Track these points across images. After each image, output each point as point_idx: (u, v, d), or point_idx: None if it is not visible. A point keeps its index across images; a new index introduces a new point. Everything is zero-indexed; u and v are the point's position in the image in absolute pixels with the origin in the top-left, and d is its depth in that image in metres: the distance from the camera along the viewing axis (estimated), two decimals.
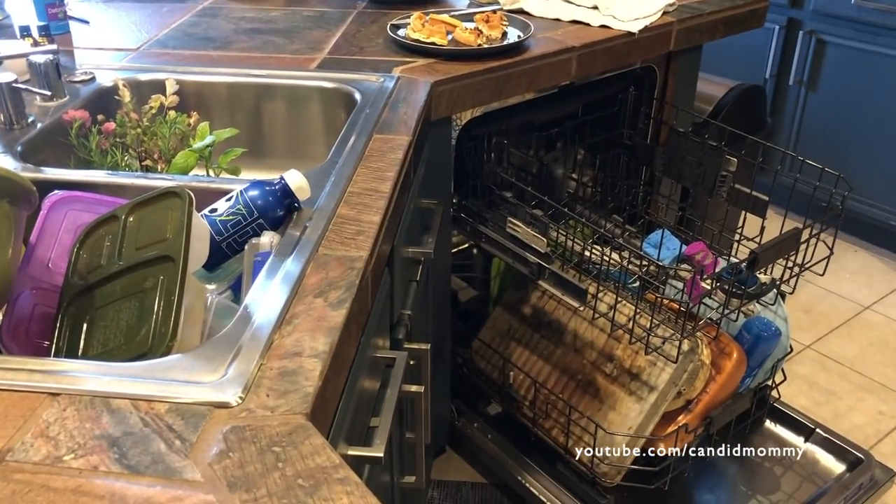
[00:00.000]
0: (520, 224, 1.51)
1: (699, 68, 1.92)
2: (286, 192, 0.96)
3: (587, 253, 1.56)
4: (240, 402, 0.67)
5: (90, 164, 1.17)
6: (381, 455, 0.84)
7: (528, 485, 1.69)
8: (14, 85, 1.17)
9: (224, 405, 0.66)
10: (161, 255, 0.81)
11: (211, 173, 1.21)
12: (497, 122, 1.65)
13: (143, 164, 1.24)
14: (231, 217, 0.94)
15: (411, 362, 1.21)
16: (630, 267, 1.59)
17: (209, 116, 1.40)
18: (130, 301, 0.80)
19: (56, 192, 0.96)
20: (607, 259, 1.55)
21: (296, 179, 0.96)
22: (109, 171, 1.08)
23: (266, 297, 0.80)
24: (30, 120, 1.21)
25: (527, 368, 1.72)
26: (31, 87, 1.20)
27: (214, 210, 0.95)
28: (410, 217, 1.24)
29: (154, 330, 0.76)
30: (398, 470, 1.18)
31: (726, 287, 1.45)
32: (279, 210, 0.96)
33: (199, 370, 0.70)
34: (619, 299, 1.53)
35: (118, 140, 1.24)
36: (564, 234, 1.55)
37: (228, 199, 0.96)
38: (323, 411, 0.71)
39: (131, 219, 0.87)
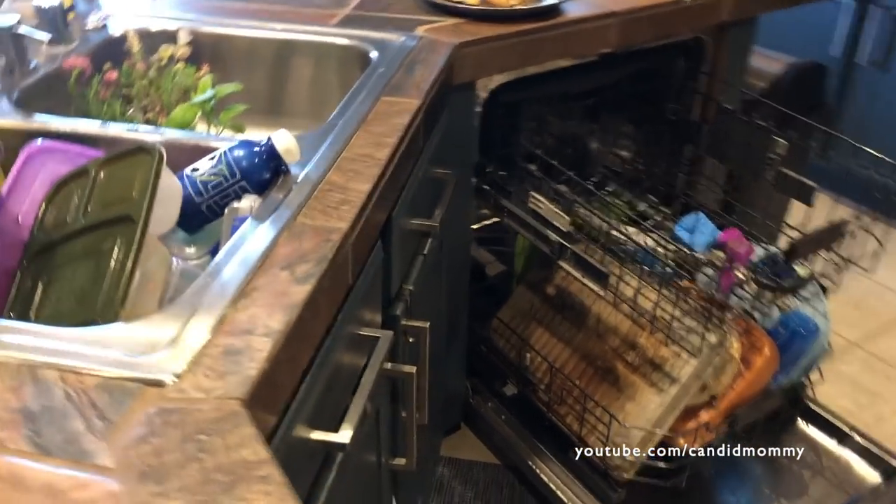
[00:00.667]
0: (542, 199, 1.43)
1: (754, 42, 1.79)
2: (272, 155, 0.90)
3: (614, 233, 1.47)
4: (174, 381, 0.61)
5: (88, 114, 1.13)
6: (346, 442, 0.78)
7: (538, 470, 1.62)
8: (16, 30, 1.13)
9: (157, 383, 0.61)
10: (122, 215, 0.76)
11: (213, 130, 1.15)
12: (529, 89, 1.56)
13: (146, 116, 1.19)
14: (212, 178, 0.89)
15: (410, 340, 1.15)
16: (659, 251, 1.49)
17: (223, 71, 1.35)
18: (88, 262, 0.75)
19: (36, 141, 0.92)
20: (635, 241, 1.45)
21: (283, 141, 0.90)
22: (101, 122, 1.03)
23: (229, 266, 0.75)
24: (32, 66, 1.17)
25: (546, 350, 1.65)
26: (33, 32, 1.16)
27: (196, 169, 0.90)
28: (418, 186, 1.17)
29: (104, 295, 0.71)
30: (389, 451, 1.13)
31: (760, 279, 1.35)
32: (265, 173, 0.90)
33: (140, 342, 0.65)
34: (644, 285, 1.45)
35: (123, 91, 1.20)
36: (591, 211, 1.46)
37: (212, 159, 0.90)
38: (271, 395, 0.65)
39: (102, 174, 0.83)
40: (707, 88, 1.77)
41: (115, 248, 0.74)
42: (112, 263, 0.73)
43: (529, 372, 1.66)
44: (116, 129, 1.00)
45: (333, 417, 0.84)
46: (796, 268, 1.36)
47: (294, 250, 0.77)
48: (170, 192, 0.81)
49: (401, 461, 1.14)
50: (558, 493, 1.58)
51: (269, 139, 0.90)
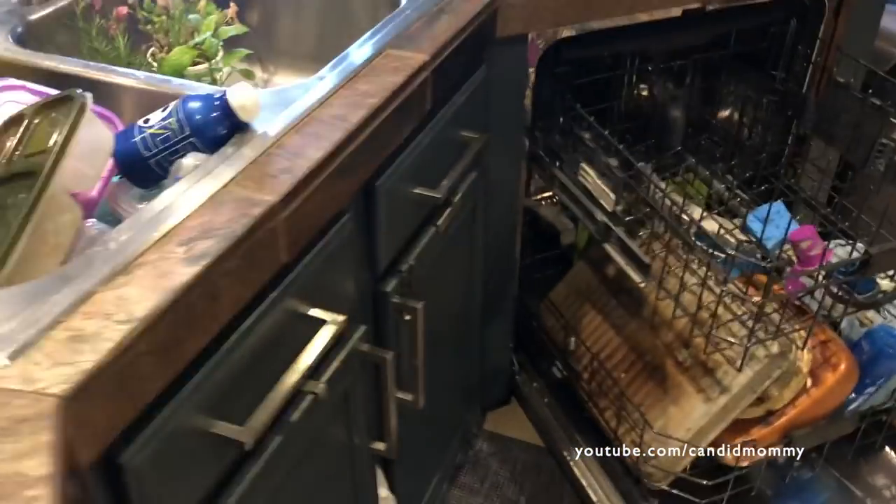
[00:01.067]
0: (591, 173, 1.27)
1: (883, 5, 1.52)
2: (227, 110, 0.81)
3: (672, 215, 1.30)
4: (5, 365, 0.55)
5: (94, 51, 1.09)
6: (247, 440, 0.70)
7: (572, 463, 1.51)
8: None
9: None
10: (32, 168, 0.71)
11: (216, 75, 1.08)
12: (598, 46, 1.39)
13: (158, 56, 1.14)
14: (161, 131, 0.82)
15: (406, 318, 1.06)
16: (729, 241, 1.31)
17: (261, 13, 1.29)
18: None
19: None
20: (698, 226, 1.27)
21: (239, 96, 0.81)
22: (87, 62, 0.98)
23: (129, 234, 0.68)
24: None
25: (594, 336, 1.51)
26: None
27: (147, 121, 0.83)
28: (430, 151, 1.06)
29: None
30: (369, 434, 1.05)
31: (832, 287, 1.15)
32: (219, 129, 0.82)
33: None
34: (695, 276, 1.28)
35: (146, 27, 1.15)
36: (636, 191, 1.29)
37: (164, 110, 0.83)
38: (123, 389, 0.58)
39: (36, 121, 0.77)
40: (821, 57, 1.53)
41: (17, 205, 0.69)
42: (7, 221, 0.68)
43: (573, 357, 1.53)
44: (95, 71, 0.95)
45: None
46: (880, 280, 1.15)
47: (203, 223, 0.69)
48: (95, 146, 0.75)
49: (380, 446, 1.06)
50: (588, 490, 1.46)
51: (223, 92, 0.82)
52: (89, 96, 0.74)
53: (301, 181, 0.76)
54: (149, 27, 1.15)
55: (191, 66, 1.07)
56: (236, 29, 1.08)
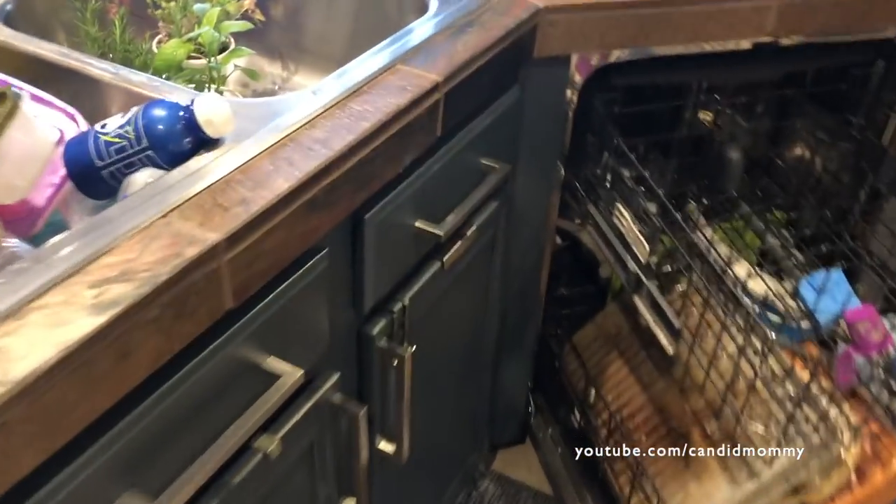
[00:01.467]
0: (627, 217, 1.14)
1: None
2: (192, 123, 0.71)
3: (723, 270, 1.15)
4: None
5: (86, 36, 1.00)
6: None
7: None
8: None
9: None
10: None
11: (214, 74, 0.98)
12: (651, 74, 1.25)
13: (159, 45, 1.05)
14: (117, 140, 0.72)
15: (394, 363, 0.95)
16: (777, 306, 1.16)
17: (281, 5, 1.19)
18: None
19: None
20: (729, 284, 1.13)
21: (207, 109, 0.71)
22: (65, 50, 0.89)
23: (40, 266, 0.58)
24: None
25: (618, 390, 1.37)
26: None
27: (104, 126, 0.73)
28: (438, 180, 0.94)
29: None
30: (336, 486, 0.94)
31: (890, 380, 1.00)
32: (183, 143, 0.72)
33: None
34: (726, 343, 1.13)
35: (154, 13, 1.06)
36: (675, 242, 1.15)
37: (123, 116, 0.73)
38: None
39: None
40: None
41: None
42: None
43: (593, 410, 1.40)
44: (74, 60, 0.86)
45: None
46: None
47: (127, 260, 0.59)
48: (28, 153, 0.65)
49: (351, 501, 0.95)
50: None
51: (191, 102, 0.72)
52: (25, 96, 0.65)
53: (256, 217, 0.65)
54: (157, 13, 1.06)
55: (188, 60, 0.97)
56: (241, 25, 0.97)
